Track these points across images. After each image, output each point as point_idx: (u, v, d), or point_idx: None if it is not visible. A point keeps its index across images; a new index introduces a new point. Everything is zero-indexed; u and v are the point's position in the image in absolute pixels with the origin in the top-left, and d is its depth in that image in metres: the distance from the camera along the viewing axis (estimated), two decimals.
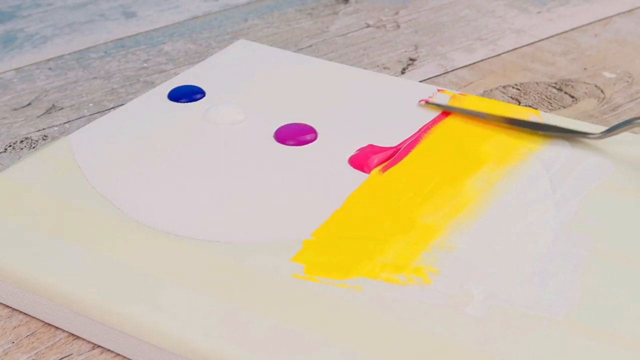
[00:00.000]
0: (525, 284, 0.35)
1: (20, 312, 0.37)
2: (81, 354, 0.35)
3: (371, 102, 0.48)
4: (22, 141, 0.49)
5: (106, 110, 0.52)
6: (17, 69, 0.57)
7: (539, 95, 0.53)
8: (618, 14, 0.63)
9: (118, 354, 0.35)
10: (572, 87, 0.54)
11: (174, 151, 0.44)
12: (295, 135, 0.45)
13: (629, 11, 0.63)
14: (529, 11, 0.64)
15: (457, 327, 0.33)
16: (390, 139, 0.45)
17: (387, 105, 0.48)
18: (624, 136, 0.45)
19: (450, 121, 0.46)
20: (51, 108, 0.53)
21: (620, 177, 0.42)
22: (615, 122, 0.49)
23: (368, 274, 0.36)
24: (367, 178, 0.42)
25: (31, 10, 0.66)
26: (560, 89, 0.53)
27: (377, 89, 0.50)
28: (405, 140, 0.45)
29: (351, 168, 0.43)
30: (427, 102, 0.47)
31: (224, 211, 0.40)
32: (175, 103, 0.48)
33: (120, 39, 0.61)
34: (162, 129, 0.46)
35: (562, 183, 0.41)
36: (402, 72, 0.56)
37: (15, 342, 0.36)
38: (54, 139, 0.49)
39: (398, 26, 0.62)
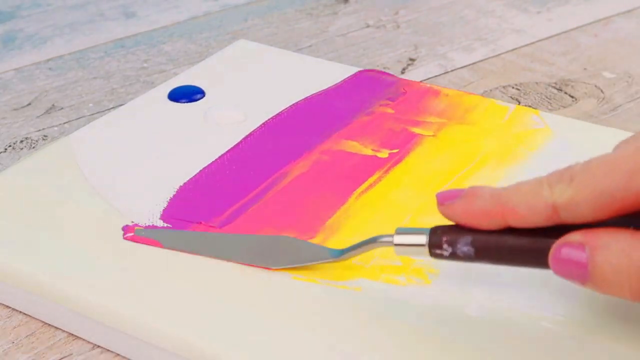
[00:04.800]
0: (524, 285, 0.35)
1: (20, 312, 0.37)
2: (81, 354, 0.35)
3: (371, 102, 0.48)
4: (22, 141, 0.49)
5: (106, 110, 0.52)
6: (17, 69, 0.57)
7: (538, 95, 0.53)
8: (618, 14, 0.63)
9: (118, 354, 0.35)
10: (572, 87, 0.54)
11: (173, 152, 0.44)
12: None
13: (629, 11, 0.63)
14: (529, 11, 0.64)
15: (457, 327, 0.33)
16: (390, 137, 0.45)
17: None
18: (624, 135, 0.45)
19: (450, 123, 0.46)
20: (51, 108, 0.53)
21: None
22: (614, 123, 0.49)
23: (368, 275, 0.36)
24: (368, 179, 0.42)
25: (31, 10, 0.66)
26: (560, 89, 0.53)
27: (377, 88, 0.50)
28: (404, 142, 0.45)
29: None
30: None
31: None
32: (175, 103, 0.48)
33: (120, 39, 0.61)
34: (162, 129, 0.46)
35: None
36: (402, 72, 0.56)
37: (15, 342, 0.36)
38: (54, 139, 0.49)
39: (398, 26, 0.62)
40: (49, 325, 0.37)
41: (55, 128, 0.51)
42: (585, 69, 0.56)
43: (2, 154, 0.48)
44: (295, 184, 0.41)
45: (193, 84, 0.50)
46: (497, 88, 0.54)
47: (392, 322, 0.34)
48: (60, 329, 0.36)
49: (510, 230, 0.31)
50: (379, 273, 0.36)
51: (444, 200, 0.33)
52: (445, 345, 0.33)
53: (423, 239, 0.33)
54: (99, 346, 0.36)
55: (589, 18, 0.62)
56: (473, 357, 0.32)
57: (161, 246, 0.37)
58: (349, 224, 0.39)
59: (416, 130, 0.45)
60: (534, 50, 0.58)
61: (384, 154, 0.43)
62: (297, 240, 0.37)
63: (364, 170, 0.42)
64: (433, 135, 0.45)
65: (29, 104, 0.53)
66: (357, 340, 0.33)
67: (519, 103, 0.52)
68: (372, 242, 0.35)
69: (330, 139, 0.45)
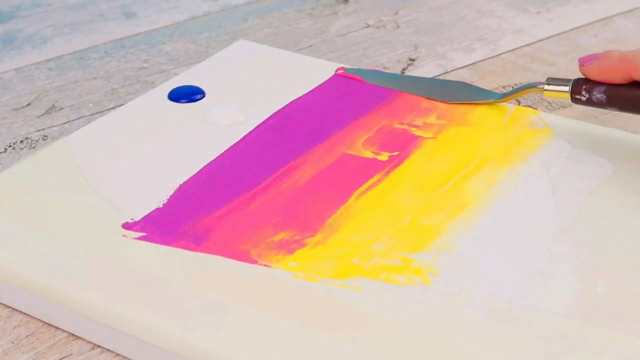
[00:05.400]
0: (525, 284, 0.35)
1: (20, 312, 0.37)
2: (81, 354, 0.35)
3: (372, 103, 0.48)
4: (22, 141, 0.49)
5: (106, 110, 0.52)
6: (17, 69, 0.57)
7: (538, 95, 0.53)
8: (618, 14, 0.63)
9: (118, 354, 0.35)
10: None
11: (173, 152, 0.44)
12: None
13: (629, 11, 0.63)
14: (528, 11, 0.64)
15: (457, 327, 0.33)
16: (390, 140, 0.45)
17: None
18: (624, 135, 0.45)
19: (450, 124, 0.46)
20: (51, 108, 0.53)
21: (620, 177, 0.42)
22: (614, 123, 0.49)
23: (368, 274, 0.36)
24: (369, 181, 0.42)
25: (31, 10, 0.66)
26: None
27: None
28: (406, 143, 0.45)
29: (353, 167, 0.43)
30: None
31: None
32: (175, 103, 0.48)
33: (120, 39, 0.61)
34: (162, 129, 0.46)
35: (562, 183, 0.41)
36: (402, 72, 0.56)
37: (15, 342, 0.36)
38: (53, 139, 0.49)
39: (398, 26, 0.62)
40: (49, 325, 0.37)
41: (55, 128, 0.51)
42: None
43: (2, 154, 0.48)
44: (296, 184, 0.41)
45: (193, 84, 0.50)
46: (496, 88, 0.54)
47: (392, 321, 0.34)
48: (60, 329, 0.36)
49: (635, 84, 0.41)
50: (379, 273, 0.36)
51: (584, 62, 0.42)
52: (445, 345, 0.33)
53: (567, 87, 0.43)
54: (99, 346, 0.36)
55: (589, 18, 0.62)
56: (473, 357, 0.32)
57: (363, 81, 0.50)
58: (349, 223, 0.39)
59: (416, 132, 0.45)
60: (534, 50, 0.58)
61: (384, 156, 0.43)
62: (470, 85, 0.50)
63: (364, 173, 0.42)
64: (433, 137, 0.45)
65: (29, 104, 0.53)
66: (357, 339, 0.33)
67: (519, 103, 0.52)
68: (531, 86, 0.45)
69: (331, 140, 0.45)
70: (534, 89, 0.45)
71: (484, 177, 0.42)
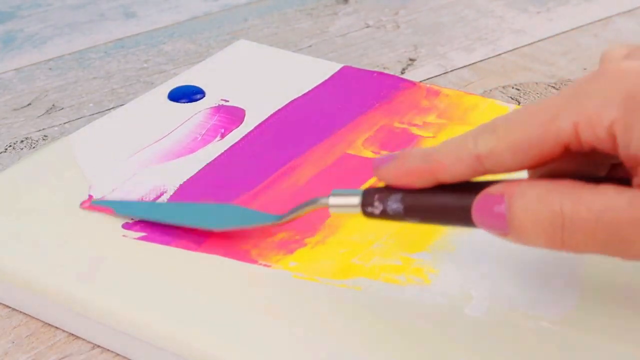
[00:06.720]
0: (525, 284, 0.35)
1: (20, 312, 0.37)
2: (81, 354, 0.35)
3: (371, 103, 0.48)
4: (22, 141, 0.49)
5: (106, 110, 0.52)
6: (17, 69, 0.57)
7: (538, 95, 0.53)
8: (618, 14, 0.63)
9: (118, 354, 0.35)
10: None
11: (173, 152, 0.44)
12: None
13: (629, 11, 0.63)
14: (528, 11, 0.64)
15: (457, 327, 0.33)
16: (390, 139, 0.45)
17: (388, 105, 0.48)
18: None
19: (450, 124, 0.46)
20: (51, 108, 0.53)
21: None
22: None
23: (368, 274, 0.36)
24: (368, 181, 0.42)
25: (31, 10, 0.66)
26: (559, 89, 0.53)
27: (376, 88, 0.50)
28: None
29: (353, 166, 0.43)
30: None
31: None
32: (175, 103, 0.48)
33: (120, 39, 0.61)
34: (162, 129, 0.46)
35: None
36: (402, 72, 0.56)
37: (15, 342, 0.36)
38: (54, 139, 0.49)
39: (398, 26, 0.62)
40: (49, 325, 0.37)
41: (55, 128, 0.51)
42: (585, 69, 0.56)
43: (2, 154, 0.48)
44: (296, 184, 0.41)
45: (193, 83, 0.50)
46: (497, 88, 0.54)
47: (391, 321, 0.34)
48: (60, 329, 0.36)
49: (440, 188, 0.32)
50: (379, 272, 0.36)
51: (379, 164, 0.33)
52: (445, 345, 0.33)
53: (357, 199, 0.33)
54: (99, 346, 0.36)
55: (589, 18, 0.62)
56: (473, 357, 0.32)
57: (114, 213, 0.39)
58: (349, 223, 0.39)
59: (416, 131, 0.45)
60: (534, 50, 0.58)
61: None
62: (243, 208, 0.39)
63: (363, 172, 0.42)
64: (433, 137, 0.45)
65: (29, 104, 0.53)
66: (357, 339, 0.33)
67: (519, 103, 0.52)
68: (311, 203, 0.35)
69: (330, 140, 0.45)
70: (315, 207, 0.34)
71: (484, 176, 0.42)
